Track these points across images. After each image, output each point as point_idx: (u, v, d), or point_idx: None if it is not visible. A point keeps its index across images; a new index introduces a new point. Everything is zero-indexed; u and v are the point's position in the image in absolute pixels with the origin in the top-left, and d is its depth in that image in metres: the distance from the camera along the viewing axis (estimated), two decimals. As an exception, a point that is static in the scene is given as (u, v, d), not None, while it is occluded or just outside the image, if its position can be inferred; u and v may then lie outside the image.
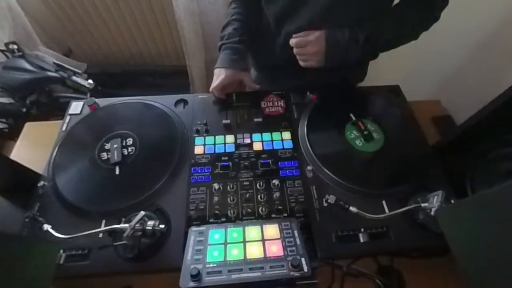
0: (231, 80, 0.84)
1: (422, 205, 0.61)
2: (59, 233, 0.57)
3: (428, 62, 1.19)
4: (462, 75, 1.07)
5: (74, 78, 1.63)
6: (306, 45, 0.77)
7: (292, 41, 0.79)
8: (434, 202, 0.59)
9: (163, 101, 0.86)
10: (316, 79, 0.90)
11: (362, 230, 0.64)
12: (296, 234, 0.57)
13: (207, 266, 0.51)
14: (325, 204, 0.66)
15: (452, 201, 0.61)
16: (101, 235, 0.61)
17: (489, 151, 0.71)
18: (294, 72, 0.91)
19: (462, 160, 0.76)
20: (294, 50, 0.79)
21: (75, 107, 0.86)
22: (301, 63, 0.81)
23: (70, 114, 0.84)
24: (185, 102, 0.87)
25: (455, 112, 1.05)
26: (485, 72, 0.98)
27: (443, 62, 1.10)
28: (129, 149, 0.75)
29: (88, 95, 1.63)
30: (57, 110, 1.66)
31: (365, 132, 0.78)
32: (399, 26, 0.78)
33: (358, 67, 1.01)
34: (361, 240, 0.63)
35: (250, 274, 0.50)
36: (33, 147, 0.91)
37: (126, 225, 0.56)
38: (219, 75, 0.84)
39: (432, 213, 0.59)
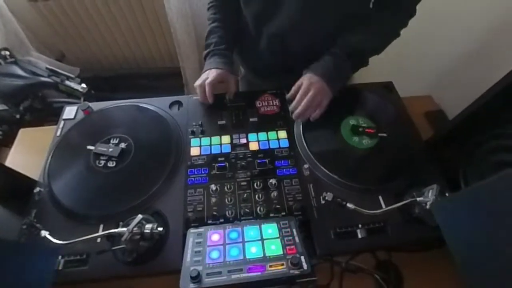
0: (221, 78, 0.82)
1: (418, 199, 0.62)
2: (56, 239, 0.57)
3: (419, 58, 1.20)
4: (453, 70, 1.08)
5: (67, 82, 1.62)
6: (307, 93, 0.76)
7: (293, 104, 0.78)
8: (429, 196, 0.60)
9: (158, 103, 0.86)
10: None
11: (360, 226, 0.64)
12: (295, 232, 0.58)
13: (206, 267, 0.52)
14: (323, 202, 0.66)
15: (447, 194, 0.61)
16: (99, 239, 0.61)
17: (481, 144, 0.72)
18: (284, 71, 0.91)
19: (455, 154, 0.77)
20: (300, 108, 0.77)
21: (69, 112, 0.85)
22: (313, 116, 0.77)
23: (64, 119, 0.83)
24: (179, 103, 0.87)
25: (447, 107, 1.06)
26: (476, 66, 0.99)
27: (434, 58, 1.11)
28: (124, 153, 0.74)
29: (82, 99, 1.62)
30: (51, 115, 1.64)
31: (360, 129, 0.78)
32: (374, 32, 0.80)
33: None
34: (359, 236, 0.64)
35: (250, 274, 0.50)
36: (28, 153, 0.91)
37: (124, 229, 0.56)
38: (209, 73, 0.82)
39: (428, 206, 0.60)
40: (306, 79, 0.78)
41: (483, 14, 0.93)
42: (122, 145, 0.75)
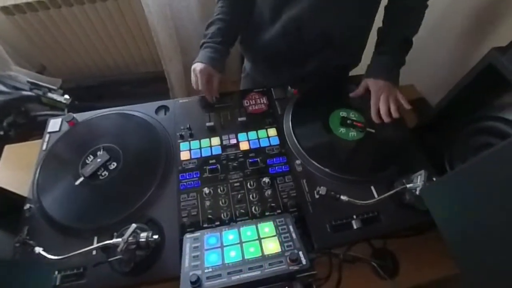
0: (205, 75, 0.81)
1: (408, 186, 0.63)
2: (51, 254, 0.56)
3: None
4: (431, 58, 1.10)
5: (49, 95, 1.58)
6: (387, 101, 0.79)
7: (374, 116, 0.80)
8: (418, 182, 0.62)
9: (143, 110, 0.85)
10: (317, 67, 0.92)
11: (355, 217, 0.65)
12: (292, 229, 0.58)
13: (206, 271, 0.51)
14: (317, 196, 0.67)
15: (434, 179, 0.63)
16: (94, 252, 0.60)
17: (462, 128, 0.74)
18: (296, 60, 0.91)
19: (440, 140, 0.79)
20: (383, 113, 0.79)
21: (54, 124, 0.84)
22: (393, 110, 0.79)
23: (49, 132, 0.82)
24: (166, 108, 0.86)
25: (429, 95, 1.08)
26: (452, 52, 1.01)
27: (413, 47, 1.13)
28: (113, 162, 0.73)
29: (66, 111, 1.58)
30: (35, 129, 1.60)
31: (348, 121, 0.79)
32: (413, 22, 0.84)
33: (357, 52, 1.03)
34: (355, 227, 0.65)
35: (250, 274, 0.50)
36: (15, 170, 0.89)
37: (119, 239, 0.55)
38: (194, 69, 0.82)
39: (417, 192, 0.61)
40: (373, 85, 0.82)
41: (458, 2, 0.95)
42: (106, 156, 0.74)
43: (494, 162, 0.37)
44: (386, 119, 0.78)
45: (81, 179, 0.71)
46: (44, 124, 0.84)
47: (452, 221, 0.47)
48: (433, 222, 0.50)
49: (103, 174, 0.71)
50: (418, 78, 1.13)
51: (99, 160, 0.73)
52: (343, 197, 0.63)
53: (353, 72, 1.05)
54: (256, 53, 1.04)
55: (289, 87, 0.87)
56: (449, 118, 0.78)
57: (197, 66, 0.82)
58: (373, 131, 0.80)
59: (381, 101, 0.79)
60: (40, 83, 1.59)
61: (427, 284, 0.72)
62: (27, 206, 0.68)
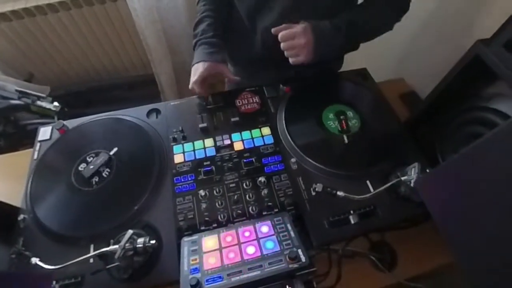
0: (210, 72, 0.81)
1: (402, 178, 0.64)
2: (48, 264, 0.55)
3: (386, 43, 1.23)
4: (420, 52, 1.12)
5: (38, 102, 1.55)
6: (294, 37, 0.75)
7: (280, 35, 0.76)
8: (412, 174, 0.63)
9: (135, 114, 0.84)
10: (296, 73, 0.91)
11: (352, 212, 0.65)
12: (290, 227, 0.58)
13: (205, 273, 0.51)
14: (313, 193, 0.67)
15: (427, 171, 0.63)
16: (92, 260, 0.59)
17: (452, 119, 0.75)
18: (274, 66, 0.91)
19: (431, 131, 0.80)
20: (282, 45, 0.76)
21: (44, 132, 0.82)
22: (291, 60, 0.78)
23: (40, 141, 0.80)
24: (157, 111, 0.85)
25: (419, 88, 1.10)
26: (440, 45, 1.02)
27: (399, 42, 1.14)
28: (106, 169, 0.72)
29: (56, 118, 1.56)
30: (26, 138, 1.58)
31: (342, 117, 0.79)
32: (372, 15, 0.82)
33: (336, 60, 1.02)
34: (352, 222, 0.65)
35: (250, 274, 0.50)
36: (7, 181, 0.87)
37: (116, 246, 0.55)
38: (196, 70, 0.81)
39: (412, 184, 0.62)
40: (301, 25, 0.75)
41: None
42: (103, 156, 0.73)
43: (483, 151, 0.38)
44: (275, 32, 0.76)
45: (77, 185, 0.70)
46: (34, 133, 0.83)
47: (446, 211, 0.47)
48: (428, 213, 0.50)
49: (96, 180, 0.70)
50: (408, 71, 1.14)
51: (98, 161, 0.72)
52: (339, 193, 0.63)
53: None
54: (238, 59, 1.05)
55: (281, 85, 0.87)
56: (439, 110, 0.79)
57: (200, 66, 0.81)
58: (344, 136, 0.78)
59: (289, 40, 0.75)
60: (29, 91, 1.56)
61: (425, 273, 0.73)
62: (21, 217, 0.67)
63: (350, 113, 0.81)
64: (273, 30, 0.78)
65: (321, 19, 0.78)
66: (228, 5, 0.89)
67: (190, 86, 0.83)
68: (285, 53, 0.78)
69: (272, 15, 0.80)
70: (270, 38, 0.83)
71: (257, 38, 0.88)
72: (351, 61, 0.90)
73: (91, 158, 0.74)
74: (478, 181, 0.40)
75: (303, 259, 0.52)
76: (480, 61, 0.62)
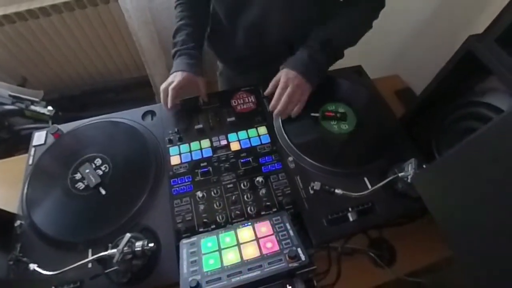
0: (187, 82, 0.80)
1: (399, 174, 0.64)
2: (46, 270, 0.55)
3: (380, 40, 1.23)
4: (414, 48, 1.12)
5: (32, 107, 1.54)
6: (284, 90, 0.75)
7: (275, 98, 0.77)
8: (409, 170, 0.63)
9: (130, 116, 0.83)
10: None
11: (350, 209, 0.66)
12: (289, 227, 0.58)
13: (205, 275, 0.51)
14: (311, 192, 0.67)
15: (424, 166, 0.64)
16: (90, 265, 0.59)
17: (447, 115, 0.76)
18: (262, 63, 0.90)
19: (427, 127, 0.80)
20: (280, 106, 0.76)
21: (39, 137, 0.81)
22: (294, 113, 0.77)
23: (35, 146, 0.80)
24: (152, 113, 0.85)
25: (414, 83, 1.10)
26: (434, 41, 1.03)
27: (393, 38, 1.14)
28: (102, 172, 0.72)
29: (50, 122, 1.55)
30: (20, 143, 1.56)
31: (338, 115, 0.79)
32: (346, 23, 0.82)
33: None
34: (351, 219, 0.65)
35: (250, 275, 0.50)
36: (2, 186, 0.86)
37: (114, 250, 0.54)
38: (175, 77, 0.80)
39: (409, 180, 0.62)
40: (283, 75, 0.77)
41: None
42: (98, 162, 0.73)
43: (478, 145, 0.39)
44: (275, 116, 0.78)
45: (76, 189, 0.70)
46: (29, 138, 0.82)
47: (443, 205, 0.48)
48: (426, 208, 0.51)
49: (92, 185, 0.70)
50: (403, 68, 1.15)
51: (87, 171, 0.71)
52: (337, 191, 0.63)
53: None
54: (224, 57, 1.04)
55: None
56: (434, 106, 0.79)
57: (178, 75, 0.80)
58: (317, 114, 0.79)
59: (284, 97, 0.75)
60: (22, 96, 1.55)
61: (423, 268, 0.73)
62: (18, 223, 0.66)
63: (346, 111, 0.81)
64: (265, 93, 0.80)
65: (302, 10, 0.78)
66: (205, 7, 0.89)
67: (163, 87, 0.79)
68: (289, 106, 0.77)
69: (252, 12, 0.80)
70: (252, 36, 0.83)
71: (239, 38, 0.87)
72: (346, 59, 0.90)
73: (87, 163, 0.73)
74: (474, 175, 0.40)
75: (302, 257, 0.51)
76: (473, 57, 0.62)
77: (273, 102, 0.77)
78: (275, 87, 0.78)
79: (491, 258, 0.41)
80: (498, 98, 0.65)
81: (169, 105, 0.78)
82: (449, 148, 0.42)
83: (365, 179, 0.69)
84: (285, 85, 0.76)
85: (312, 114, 0.79)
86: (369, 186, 0.68)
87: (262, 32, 0.84)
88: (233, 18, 0.84)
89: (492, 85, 0.67)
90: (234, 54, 0.95)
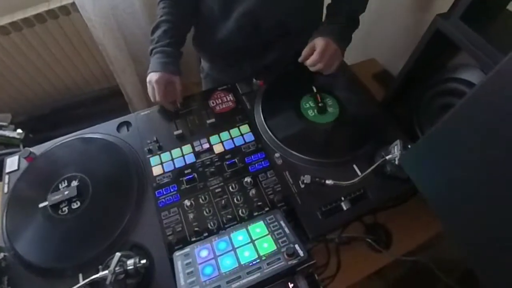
0: (164, 83, 0.78)
1: (387, 157, 0.64)
2: (38, 300, 0.52)
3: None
4: (387, 30, 1.13)
5: (0, 132, 1.47)
6: (324, 53, 0.75)
7: (307, 62, 0.77)
8: (395, 152, 0.63)
9: (104, 130, 0.80)
10: (277, 57, 0.91)
11: (343, 198, 0.65)
12: (283, 224, 0.57)
13: (203, 285, 0.50)
14: (302, 186, 0.66)
15: (409, 146, 0.64)
16: (82, 290, 0.56)
17: (424, 93, 0.77)
18: (254, 53, 0.89)
19: (407, 108, 0.82)
20: (313, 69, 0.77)
21: (11, 163, 0.77)
22: (334, 66, 0.79)
23: (8, 173, 0.75)
24: (128, 124, 0.81)
25: (390, 65, 1.11)
26: (405, 22, 1.04)
27: (363, 20, 1.15)
28: (82, 193, 0.68)
29: (22, 146, 1.48)
30: (-8, 172, 1.49)
31: (320, 104, 0.79)
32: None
33: None
34: (344, 208, 0.65)
35: (250, 278, 0.49)
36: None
37: (106, 271, 0.52)
38: (150, 81, 0.78)
39: (396, 162, 0.62)
40: (320, 40, 0.77)
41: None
42: (74, 183, 0.69)
43: (456, 120, 0.40)
44: (315, 69, 0.78)
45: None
46: (1, 165, 0.77)
47: (431, 182, 0.49)
48: (415, 187, 0.52)
49: (74, 206, 0.66)
50: (378, 51, 1.15)
51: (66, 193, 0.67)
52: (328, 182, 0.63)
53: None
54: (212, 52, 1.01)
55: (254, 80, 0.85)
56: (412, 86, 0.80)
57: (152, 76, 0.77)
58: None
59: (326, 54, 0.76)
60: (-12, 122, 1.47)
61: (419, 246, 0.74)
62: (1, 255, 0.62)
63: (327, 99, 0.81)
64: (300, 59, 0.80)
65: None
66: (192, 2, 0.86)
67: (154, 100, 0.79)
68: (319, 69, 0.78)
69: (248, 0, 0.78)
70: (247, 23, 0.82)
71: (233, 27, 0.85)
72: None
73: (64, 184, 0.70)
74: (456, 149, 0.41)
75: (301, 253, 0.51)
76: (442, 35, 0.64)
77: (315, 56, 0.76)
78: (312, 51, 0.78)
79: (481, 230, 0.42)
80: (469, 73, 0.67)
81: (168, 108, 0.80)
82: (430, 125, 0.43)
83: (354, 166, 0.69)
84: (326, 47, 0.76)
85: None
86: (359, 173, 0.67)
87: (258, 18, 0.82)
88: (229, 6, 0.82)
89: (463, 61, 0.69)
90: (227, 46, 0.91)
